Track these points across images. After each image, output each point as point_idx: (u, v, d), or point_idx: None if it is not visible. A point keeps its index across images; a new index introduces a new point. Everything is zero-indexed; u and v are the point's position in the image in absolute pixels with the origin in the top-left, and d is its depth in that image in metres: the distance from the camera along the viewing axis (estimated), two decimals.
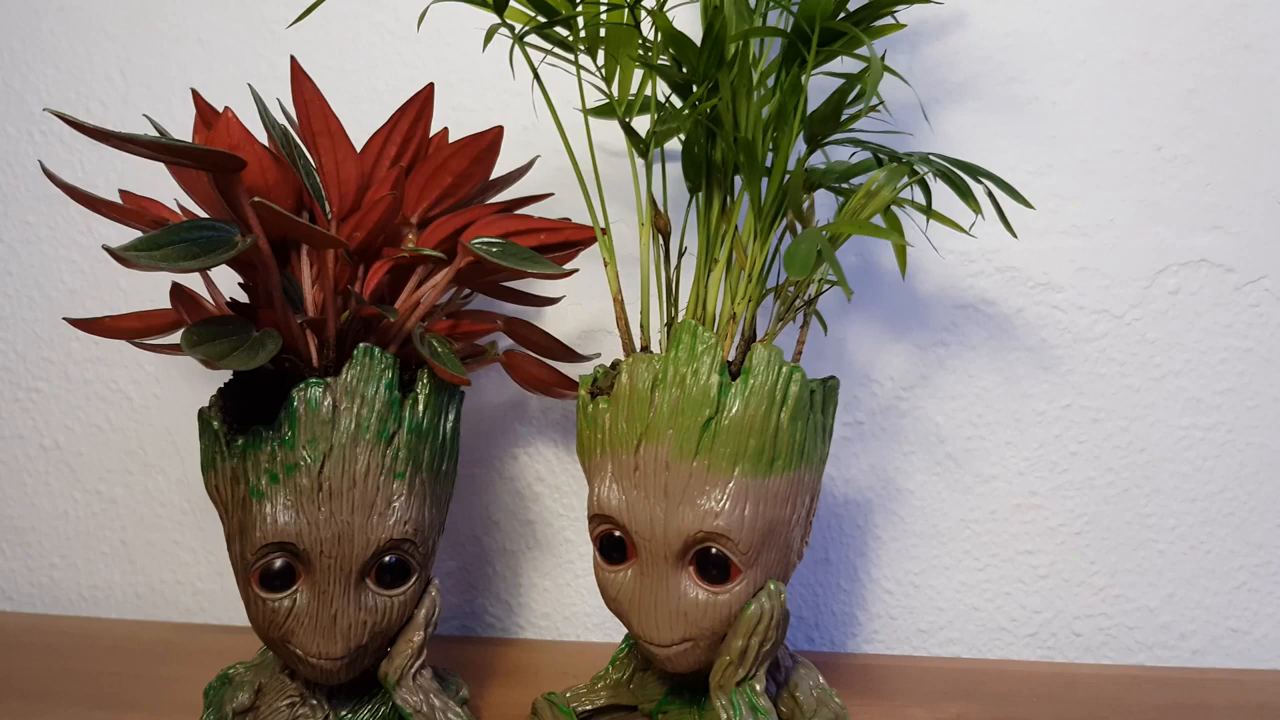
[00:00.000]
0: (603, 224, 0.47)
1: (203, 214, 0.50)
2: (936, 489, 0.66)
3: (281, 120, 0.51)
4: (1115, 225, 0.61)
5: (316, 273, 0.47)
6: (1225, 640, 0.64)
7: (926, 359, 0.64)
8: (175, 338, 0.45)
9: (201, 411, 0.47)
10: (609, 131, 0.63)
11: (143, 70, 0.71)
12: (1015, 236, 0.48)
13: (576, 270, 0.49)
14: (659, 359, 0.45)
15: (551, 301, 0.55)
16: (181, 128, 0.70)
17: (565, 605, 0.71)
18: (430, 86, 0.50)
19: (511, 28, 0.45)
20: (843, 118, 0.44)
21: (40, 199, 0.73)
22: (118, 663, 0.64)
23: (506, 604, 0.71)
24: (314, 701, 0.51)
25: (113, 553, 0.76)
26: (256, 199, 0.40)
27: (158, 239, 0.40)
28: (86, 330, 0.48)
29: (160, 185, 0.60)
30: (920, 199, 0.46)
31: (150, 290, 0.72)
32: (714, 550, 0.45)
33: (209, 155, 0.41)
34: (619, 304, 0.48)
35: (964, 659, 0.66)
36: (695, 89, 0.43)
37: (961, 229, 0.46)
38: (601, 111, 0.52)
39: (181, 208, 0.54)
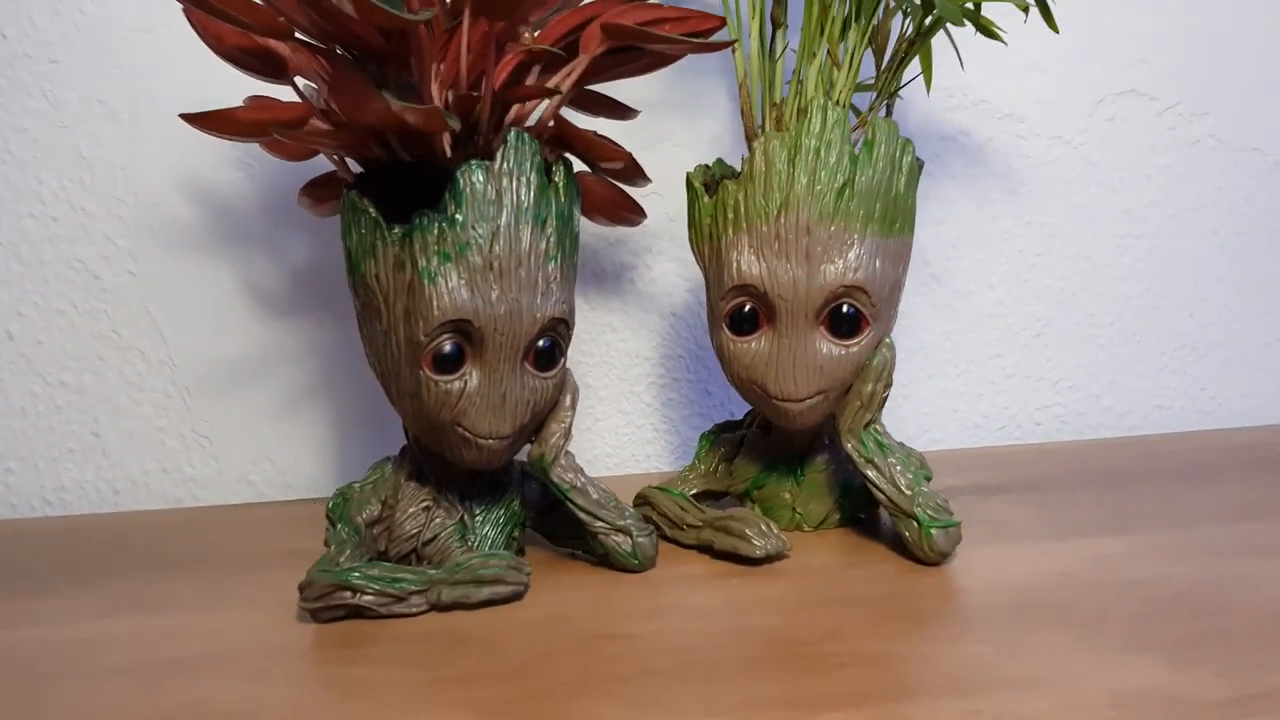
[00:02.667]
0: (731, 14, 0.51)
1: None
2: (922, 307, 0.74)
3: None
4: (1066, 60, 0.72)
5: (451, 70, 0.47)
6: (1154, 415, 0.77)
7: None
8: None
9: (355, 205, 0.46)
10: None
11: None
12: (1057, 31, 0.54)
13: (736, 40, 0.51)
14: (790, 136, 0.50)
15: (633, 113, 0.58)
16: None
17: (586, 446, 0.73)
18: None
19: None
20: None
21: None
22: (145, 541, 0.61)
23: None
24: (446, 504, 0.52)
25: (82, 448, 0.71)
26: None
27: None
28: (207, 125, 0.46)
29: None
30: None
31: (126, 153, 0.68)
32: (845, 308, 0.50)
33: None
34: (744, 89, 0.52)
35: (950, 449, 0.75)
36: None
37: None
38: None
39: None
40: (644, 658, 0.41)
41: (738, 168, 0.58)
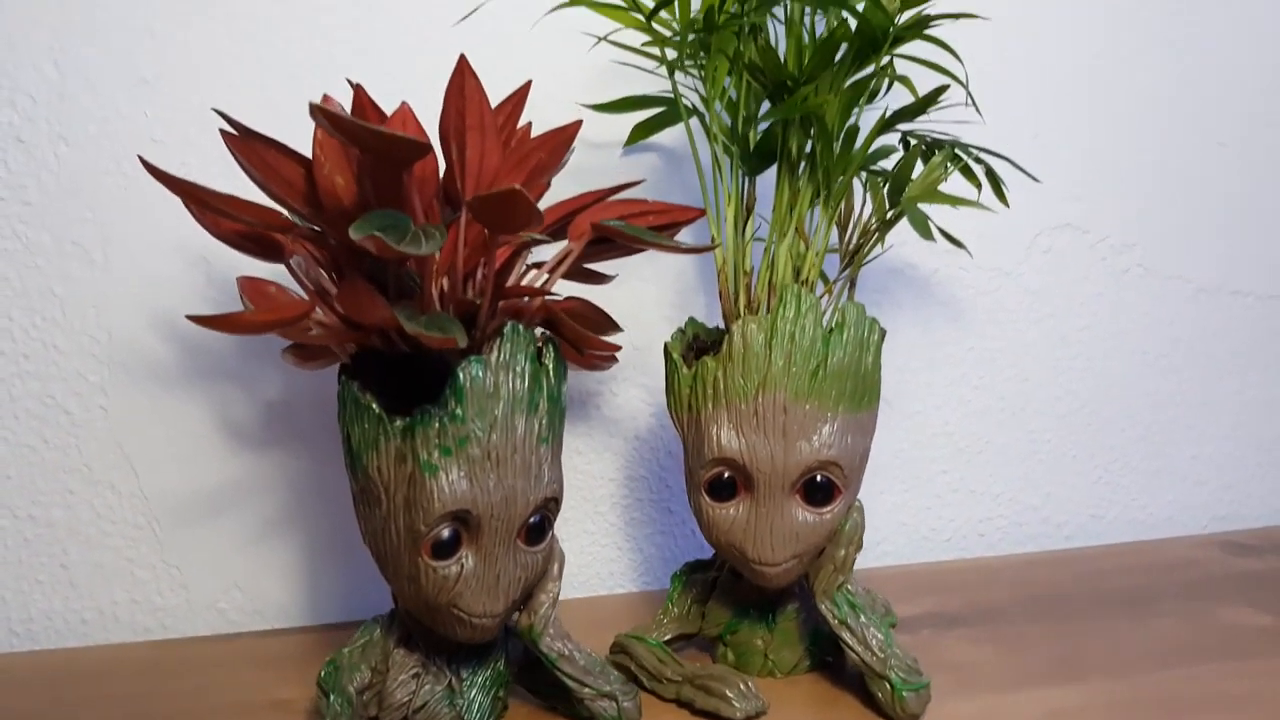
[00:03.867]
0: (705, 206, 0.54)
1: (268, 202, 0.50)
2: None
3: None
4: (1015, 185, 0.76)
5: (447, 255, 0.50)
6: (1089, 525, 0.82)
7: None
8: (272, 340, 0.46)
9: (358, 400, 0.48)
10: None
11: (80, 61, 0.66)
12: (1007, 205, 0.59)
13: (720, 244, 0.55)
14: (769, 319, 0.53)
15: (607, 279, 0.61)
16: (132, 127, 0.67)
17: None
18: (528, 83, 0.54)
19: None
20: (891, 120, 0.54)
21: None
22: (120, 685, 0.61)
23: None
24: (435, 669, 0.53)
25: (50, 579, 0.71)
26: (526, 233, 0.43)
27: (365, 223, 0.42)
28: (214, 326, 0.48)
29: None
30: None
31: (98, 292, 0.68)
32: (819, 478, 0.53)
33: (405, 143, 0.43)
34: (724, 276, 0.55)
35: (899, 564, 0.79)
36: (794, 90, 0.51)
37: (978, 184, 0.58)
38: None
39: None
40: None
41: (707, 321, 0.61)
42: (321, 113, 0.40)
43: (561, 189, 0.59)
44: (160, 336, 0.69)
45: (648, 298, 0.73)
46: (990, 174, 0.58)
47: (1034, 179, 0.58)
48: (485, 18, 0.68)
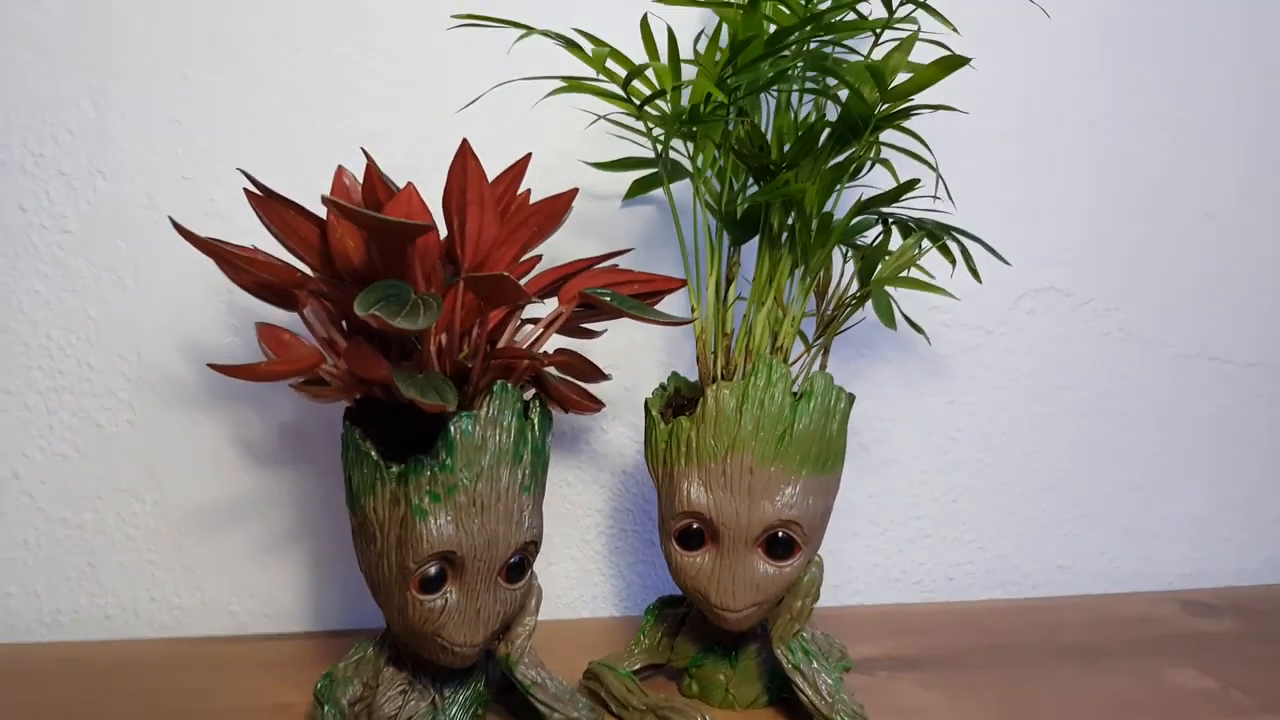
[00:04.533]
0: (688, 277, 0.58)
1: (289, 258, 0.55)
2: (850, 471, 0.81)
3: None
4: (990, 260, 0.80)
5: (445, 318, 0.54)
6: (1056, 575, 0.85)
7: (848, 369, 0.80)
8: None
9: (359, 446, 0.53)
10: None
11: (119, 101, 0.72)
12: (980, 282, 0.63)
13: (697, 317, 0.59)
14: (741, 385, 0.57)
15: (597, 335, 0.65)
16: (164, 163, 0.72)
17: (549, 583, 0.80)
18: (528, 156, 0.58)
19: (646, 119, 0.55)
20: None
21: None
22: (137, 680, 0.67)
23: None
24: (420, 687, 0.58)
25: (79, 577, 0.76)
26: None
27: (369, 296, 0.47)
28: (236, 376, 0.53)
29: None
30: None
31: (129, 315, 0.73)
32: (781, 534, 0.58)
33: (406, 227, 0.48)
34: (702, 342, 0.59)
35: (868, 604, 0.83)
36: (778, 173, 0.55)
37: (952, 259, 0.62)
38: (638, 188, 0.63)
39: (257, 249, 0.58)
40: None
41: (691, 373, 0.65)
42: (332, 204, 0.44)
43: (565, 240, 0.63)
44: (185, 359, 0.74)
45: (640, 342, 0.77)
46: (965, 252, 0.61)
47: (1004, 261, 0.62)
48: (497, 91, 0.72)
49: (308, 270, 0.55)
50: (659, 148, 0.57)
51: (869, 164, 0.62)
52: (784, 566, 0.58)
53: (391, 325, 0.45)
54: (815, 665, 0.59)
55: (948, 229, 0.59)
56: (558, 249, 0.72)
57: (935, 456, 0.82)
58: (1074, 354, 0.82)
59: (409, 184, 0.50)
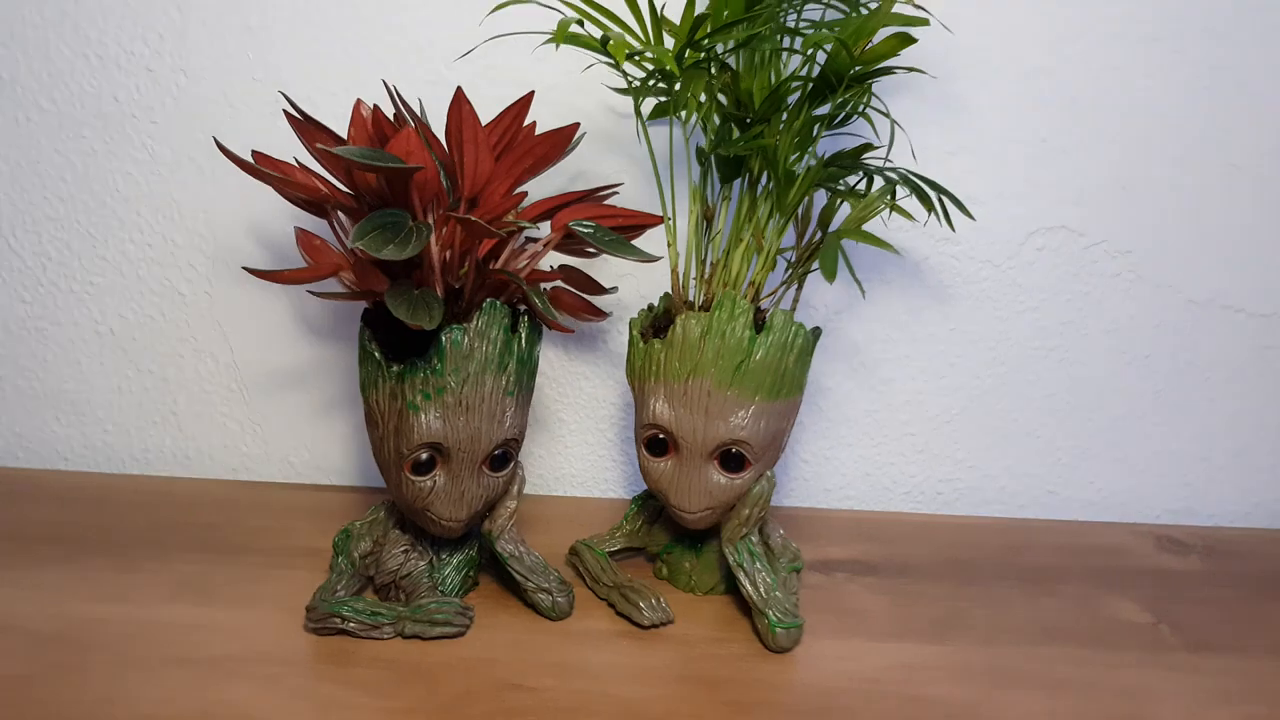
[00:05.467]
0: (669, 214, 0.64)
1: (323, 172, 0.63)
2: (849, 387, 0.87)
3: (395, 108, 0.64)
4: (1004, 196, 0.82)
5: (447, 239, 0.62)
6: (1043, 499, 0.90)
7: (852, 292, 0.85)
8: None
9: (364, 345, 0.62)
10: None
11: (200, 7, 0.79)
12: (954, 230, 0.66)
13: (661, 257, 0.65)
14: (706, 317, 0.63)
15: (594, 255, 0.72)
16: (238, 65, 0.80)
17: (556, 468, 0.90)
18: (531, 93, 0.64)
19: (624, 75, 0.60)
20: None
21: (96, 116, 0.82)
22: (199, 515, 0.79)
23: None
24: (421, 548, 0.69)
25: (163, 421, 0.89)
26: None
27: (363, 228, 0.55)
28: (269, 279, 0.62)
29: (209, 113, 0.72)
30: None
31: (207, 199, 0.83)
32: (734, 450, 0.65)
33: (407, 170, 0.55)
34: (676, 275, 0.65)
35: (857, 509, 0.90)
36: (752, 126, 0.59)
37: (913, 218, 0.65)
38: (657, 111, 0.68)
39: (299, 163, 0.66)
40: (548, 713, 0.57)
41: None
42: (327, 155, 0.52)
43: (591, 158, 0.70)
44: (253, 239, 0.84)
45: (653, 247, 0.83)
46: (941, 201, 0.65)
47: (970, 216, 0.65)
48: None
49: (340, 185, 0.63)
50: (637, 101, 0.61)
51: (854, 115, 0.66)
52: (735, 479, 0.65)
53: (377, 257, 0.53)
54: (758, 565, 0.66)
55: (918, 180, 0.62)
56: (586, 166, 0.78)
57: (933, 379, 0.87)
58: (1081, 292, 0.85)
59: (406, 128, 0.57)
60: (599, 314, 0.74)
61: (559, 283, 0.72)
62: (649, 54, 0.57)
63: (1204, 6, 0.78)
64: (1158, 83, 0.80)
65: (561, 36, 0.53)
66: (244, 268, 0.61)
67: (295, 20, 0.79)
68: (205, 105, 0.81)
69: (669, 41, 0.64)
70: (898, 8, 0.59)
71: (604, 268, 0.82)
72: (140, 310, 0.86)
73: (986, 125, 0.81)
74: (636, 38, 0.59)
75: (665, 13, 0.67)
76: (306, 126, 0.63)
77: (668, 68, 0.54)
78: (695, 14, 0.58)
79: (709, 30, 0.55)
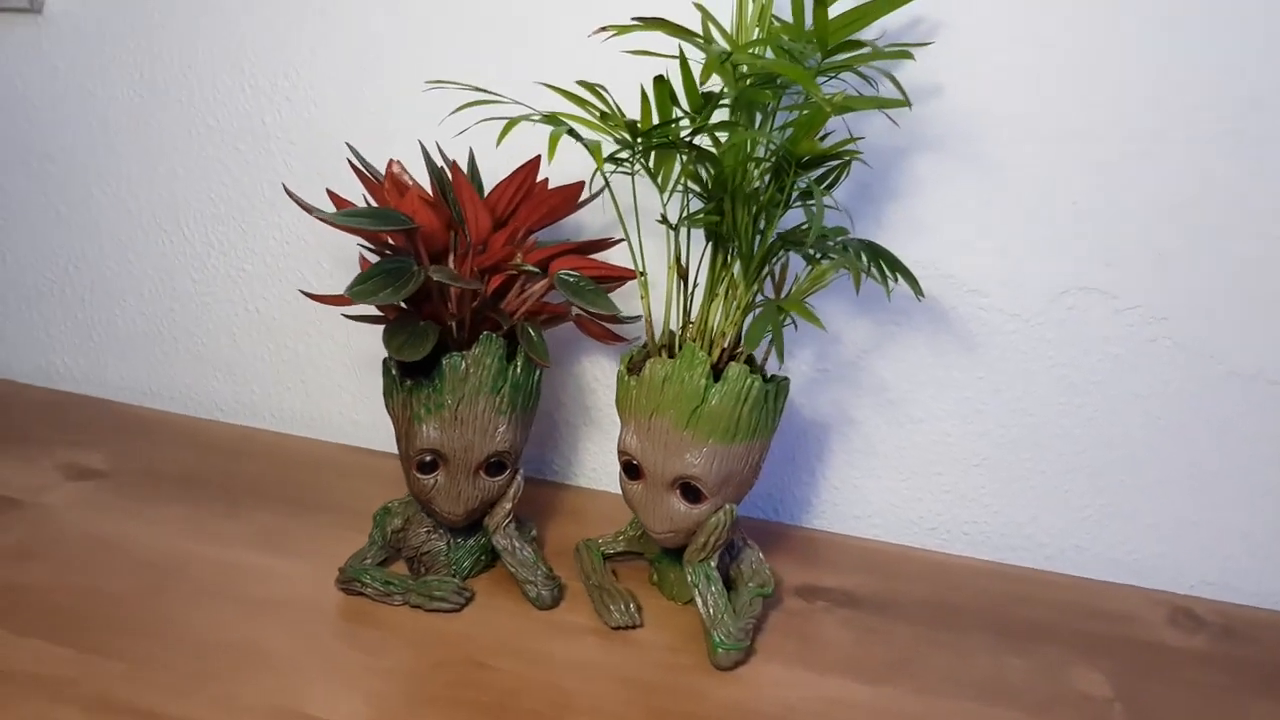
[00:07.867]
0: (641, 268, 0.72)
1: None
2: (877, 422, 0.91)
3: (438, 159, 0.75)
4: (1036, 254, 0.83)
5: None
6: (1070, 553, 0.91)
7: (882, 333, 0.89)
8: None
9: (386, 362, 0.74)
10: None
11: (329, 54, 0.94)
12: (921, 298, 0.69)
13: (638, 317, 0.74)
14: (670, 364, 0.71)
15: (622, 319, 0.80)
16: (355, 98, 0.94)
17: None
18: (537, 158, 0.74)
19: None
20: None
21: (248, 133, 0.99)
22: (301, 473, 0.96)
23: (566, 459, 1.01)
24: (440, 531, 0.81)
25: (295, 388, 1.07)
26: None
27: (365, 275, 0.67)
28: (324, 302, 0.75)
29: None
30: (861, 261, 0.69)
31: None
32: (691, 484, 0.72)
33: (409, 229, 0.66)
34: (649, 322, 0.73)
35: (880, 541, 0.94)
36: (715, 200, 0.66)
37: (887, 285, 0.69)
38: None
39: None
40: (493, 692, 0.69)
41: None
42: (318, 214, 0.64)
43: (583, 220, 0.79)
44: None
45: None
46: (894, 273, 0.69)
47: (920, 295, 0.68)
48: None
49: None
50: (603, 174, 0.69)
51: (810, 195, 0.70)
52: (693, 508, 0.73)
53: (369, 302, 0.65)
54: (712, 588, 0.74)
55: (871, 253, 0.67)
56: (592, 219, 0.86)
57: (960, 423, 0.89)
58: (1113, 354, 0.84)
59: (409, 189, 0.68)
60: (615, 338, 0.83)
61: (579, 312, 0.82)
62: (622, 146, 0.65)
63: (1250, 77, 0.76)
64: (1196, 149, 0.78)
65: (552, 153, 0.61)
66: (300, 290, 0.75)
67: (400, 67, 0.92)
68: (330, 130, 0.96)
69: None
70: (883, 91, 0.63)
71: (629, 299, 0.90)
72: (278, 296, 1.03)
73: (1018, 182, 0.82)
74: (616, 125, 0.66)
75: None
76: (365, 175, 0.76)
77: (636, 151, 0.62)
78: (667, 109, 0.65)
79: (659, 122, 0.62)
